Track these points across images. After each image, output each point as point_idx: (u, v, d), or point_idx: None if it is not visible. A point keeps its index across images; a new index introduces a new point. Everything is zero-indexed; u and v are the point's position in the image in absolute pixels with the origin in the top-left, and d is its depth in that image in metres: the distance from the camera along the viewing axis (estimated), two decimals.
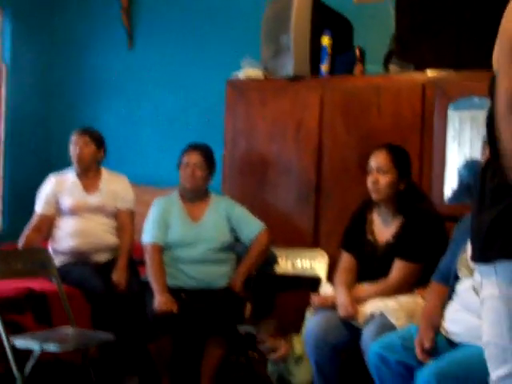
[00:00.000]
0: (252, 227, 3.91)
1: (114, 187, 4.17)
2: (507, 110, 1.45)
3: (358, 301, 3.14)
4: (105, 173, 4.22)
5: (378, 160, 3.27)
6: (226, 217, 3.90)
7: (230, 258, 3.90)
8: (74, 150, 4.13)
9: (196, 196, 3.93)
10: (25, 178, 5.11)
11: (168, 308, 3.59)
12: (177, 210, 3.91)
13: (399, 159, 3.28)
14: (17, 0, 5.27)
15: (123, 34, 5.29)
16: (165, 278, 3.75)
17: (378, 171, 3.25)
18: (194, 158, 3.88)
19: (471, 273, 2.67)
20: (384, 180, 3.23)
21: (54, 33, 5.49)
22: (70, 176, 4.17)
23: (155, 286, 3.70)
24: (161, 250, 3.82)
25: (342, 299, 3.16)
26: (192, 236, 3.83)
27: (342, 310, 3.13)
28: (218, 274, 3.82)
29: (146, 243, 3.85)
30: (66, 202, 4.08)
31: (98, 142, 4.15)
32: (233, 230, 3.90)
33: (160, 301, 3.61)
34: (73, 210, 4.06)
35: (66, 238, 4.05)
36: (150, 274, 3.76)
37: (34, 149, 5.33)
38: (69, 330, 3.44)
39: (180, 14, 5.11)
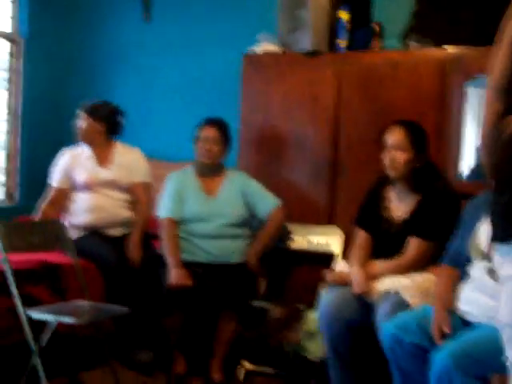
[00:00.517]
0: (267, 203, 3.90)
1: (128, 160, 4.17)
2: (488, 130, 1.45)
3: (372, 277, 3.13)
4: (118, 146, 4.22)
5: (394, 137, 3.23)
6: (241, 192, 3.90)
7: (245, 233, 3.89)
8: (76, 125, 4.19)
9: (212, 171, 3.93)
10: (40, 152, 5.12)
11: (183, 282, 3.60)
12: (192, 184, 3.91)
13: (416, 136, 3.24)
14: None
15: (139, 6, 5.25)
16: (179, 253, 3.76)
17: (396, 148, 3.21)
18: (211, 132, 3.87)
19: (482, 255, 2.66)
20: (402, 157, 3.20)
21: (71, 5, 5.46)
22: (83, 150, 4.18)
23: (170, 260, 3.71)
24: (176, 224, 3.83)
25: (355, 276, 3.15)
26: (207, 211, 3.84)
27: (356, 286, 3.12)
28: (233, 249, 3.82)
29: (161, 218, 3.86)
30: (80, 176, 4.09)
31: (96, 115, 4.12)
32: (248, 205, 3.90)
33: (175, 274, 3.63)
34: (87, 185, 4.07)
35: (80, 212, 4.06)
36: (165, 248, 3.78)
37: (50, 123, 5.34)
38: (83, 303, 3.46)
39: None
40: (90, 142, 4.15)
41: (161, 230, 3.84)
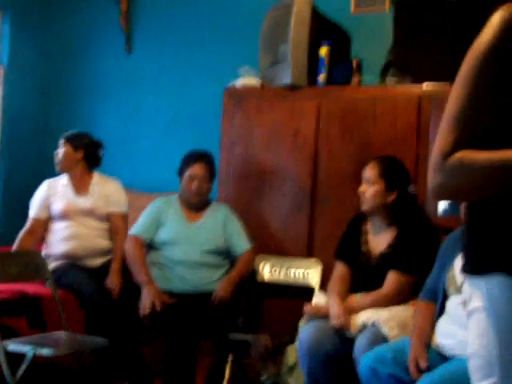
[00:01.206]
0: (242, 243, 3.92)
1: (106, 190, 4.18)
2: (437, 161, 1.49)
3: (350, 311, 3.15)
4: (96, 176, 4.24)
5: (367, 171, 3.33)
6: (222, 223, 3.92)
7: (224, 263, 3.91)
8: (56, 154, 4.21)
9: (198, 206, 3.96)
10: (20, 181, 5.11)
11: (159, 300, 3.59)
12: (174, 210, 3.93)
13: (388, 170, 3.31)
14: (16, 2, 5.27)
15: (122, 38, 5.29)
16: (148, 269, 3.78)
17: (367, 182, 3.31)
18: (200, 170, 3.88)
19: (458, 289, 2.70)
20: (370, 190, 3.29)
21: (53, 35, 5.49)
22: (62, 180, 4.19)
23: (141, 278, 3.71)
24: (142, 244, 3.85)
25: (334, 309, 3.17)
26: (187, 235, 3.84)
27: (335, 319, 3.14)
28: (211, 279, 3.82)
29: (129, 235, 3.91)
30: (58, 205, 4.10)
31: (75, 143, 4.15)
32: (225, 239, 3.92)
33: (149, 292, 3.61)
34: (64, 214, 4.07)
35: (58, 242, 4.06)
36: (132, 265, 3.78)
37: (30, 152, 5.33)
38: (62, 334, 3.44)
39: (179, 20, 5.11)
40: (68, 170, 4.16)
41: (126, 247, 3.86)
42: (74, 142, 4.15)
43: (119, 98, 5.31)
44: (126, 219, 4.20)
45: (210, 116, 4.64)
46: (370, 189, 3.29)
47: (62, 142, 4.17)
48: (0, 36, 5.28)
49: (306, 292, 3.76)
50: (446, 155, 1.47)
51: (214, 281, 3.82)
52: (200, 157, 3.90)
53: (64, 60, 5.47)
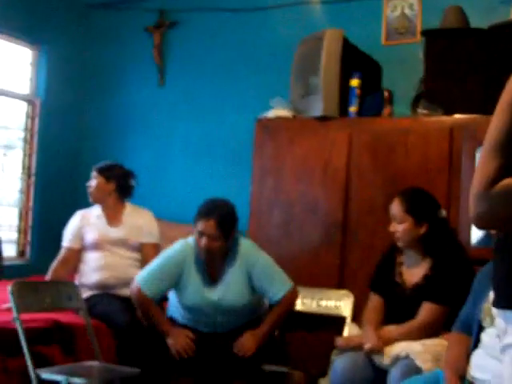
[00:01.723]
0: (277, 287, 3.54)
1: (138, 221, 4.21)
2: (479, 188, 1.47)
3: (384, 341, 3.12)
4: (128, 207, 4.27)
5: (392, 209, 3.33)
6: (247, 275, 3.55)
7: (258, 305, 3.71)
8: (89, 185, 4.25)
9: (213, 261, 3.59)
10: (52, 210, 5.19)
11: (186, 350, 3.48)
12: (195, 268, 3.57)
13: (414, 204, 3.29)
14: (52, 37, 5.40)
15: (154, 70, 5.39)
16: (161, 313, 3.64)
17: (394, 220, 3.31)
18: (209, 228, 3.44)
19: (493, 321, 2.66)
20: (400, 229, 3.28)
21: (87, 68, 5.60)
22: (95, 211, 4.24)
23: (160, 328, 3.55)
24: (152, 302, 3.57)
25: (368, 335, 3.15)
26: (211, 301, 3.55)
27: (368, 342, 3.10)
28: (238, 323, 3.60)
29: (137, 284, 3.58)
30: (90, 235, 4.13)
31: (107, 174, 4.19)
32: (255, 289, 3.57)
33: (178, 342, 3.50)
34: (97, 244, 4.11)
35: (91, 272, 4.09)
36: (144, 315, 3.62)
37: (64, 183, 5.41)
38: (94, 364, 3.45)
39: (211, 52, 5.20)
40: (101, 201, 4.20)
41: (132, 296, 3.62)
42: (106, 173, 4.20)
43: (152, 129, 5.38)
44: (158, 249, 4.22)
45: (242, 147, 4.68)
46: (398, 227, 3.28)
47: (94, 173, 4.22)
48: (37, 69, 5.41)
49: (337, 323, 3.74)
50: (490, 183, 1.44)
51: (247, 322, 3.61)
52: (211, 212, 3.45)
53: (98, 92, 5.57)
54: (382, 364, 3.08)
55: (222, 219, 3.44)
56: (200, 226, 3.45)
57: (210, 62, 5.19)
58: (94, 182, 4.20)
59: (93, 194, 4.20)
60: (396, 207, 3.30)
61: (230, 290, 3.53)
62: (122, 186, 4.24)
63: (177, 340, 3.51)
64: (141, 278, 3.58)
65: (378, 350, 3.09)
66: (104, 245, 4.12)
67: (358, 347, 3.17)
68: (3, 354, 3.28)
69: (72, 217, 4.28)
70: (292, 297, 3.59)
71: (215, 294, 3.54)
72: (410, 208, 3.28)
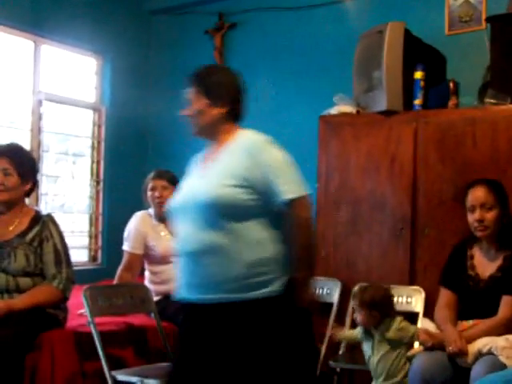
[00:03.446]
0: (288, 186, 2.49)
1: None
2: None
3: (465, 338, 3.03)
4: None
5: (480, 196, 3.21)
6: (244, 159, 2.57)
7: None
8: (152, 194, 4.17)
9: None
10: (122, 215, 5.24)
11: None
12: None
13: (500, 193, 3.22)
14: (116, 46, 5.49)
15: None
16: None
17: (482, 208, 3.19)
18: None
19: None
20: (491, 216, 3.18)
21: (151, 74, 5.69)
22: (153, 219, 4.21)
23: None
24: None
25: (450, 335, 3.06)
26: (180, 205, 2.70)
27: (452, 345, 3.01)
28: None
29: None
30: (159, 249, 4.10)
31: (176, 184, 4.18)
32: (250, 183, 2.48)
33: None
34: (166, 257, 4.03)
35: (160, 283, 4.06)
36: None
37: (131, 188, 5.48)
38: (167, 365, 3.48)
39: (272, 52, 5.19)
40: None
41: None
42: (176, 183, 4.19)
43: None
44: None
45: (306, 145, 4.64)
46: (489, 214, 3.19)
47: (162, 183, 4.15)
48: (102, 78, 5.52)
49: (410, 319, 3.66)
50: None
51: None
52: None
53: (161, 98, 5.62)
54: (465, 363, 2.98)
55: None
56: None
57: (270, 62, 5.19)
58: (165, 193, 4.12)
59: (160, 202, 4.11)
60: (485, 194, 3.21)
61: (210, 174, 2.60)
62: None
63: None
64: None
65: (463, 353, 2.99)
66: (172, 257, 4.11)
67: (439, 346, 3.08)
68: (81, 358, 3.36)
69: (132, 219, 4.27)
70: (307, 208, 2.50)
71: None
72: (499, 196, 3.22)
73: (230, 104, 2.70)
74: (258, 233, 2.45)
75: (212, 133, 2.70)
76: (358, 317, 3.42)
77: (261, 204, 2.47)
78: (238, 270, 2.40)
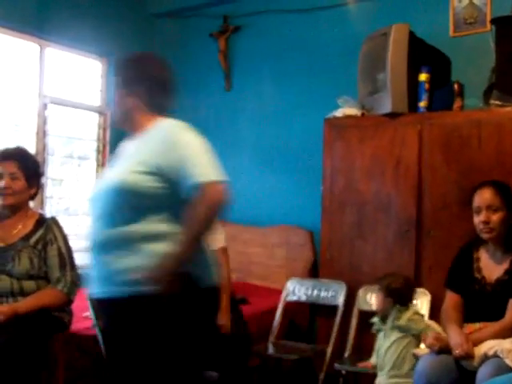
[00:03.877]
0: (199, 170, 2.43)
1: None
2: None
3: (472, 341, 3.00)
4: None
5: (486, 198, 3.19)
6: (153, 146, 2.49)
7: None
8: None
9: None
10: None
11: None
12: None
13: (507, 195, 3.21)
14: (120, 48, 5.47)
15: (221, 76, 5.42)
16: None
17: (488, 209, 3.17)
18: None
19: None
20: (497, 218, 3.16)
21: None
22: None
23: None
24: None
25: (455, 338, 3.04)
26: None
27: (457, 349, 2.99)
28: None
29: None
30: None
31: None
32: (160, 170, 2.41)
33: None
34: None
35: None
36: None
37: None
38: None
39: (276, 55, 5.19)
40: None
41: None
42: None
43: (219, 134, 5.39)
44: (226, 253, 4.22)
45: (311, 147, 4.66)
46: (495, 216, 3.16)
47: None
48: (107, 81, 5.52)
49: None
50: None
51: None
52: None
53: None
54: (471, 366, 2.96)
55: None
56: None
57: (275, 65, 5.19)
58: None
59: None
60: (492, 196, 3.18)
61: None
62: None
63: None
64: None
65: (469, 356, 2.97)
66: None
67: (445, 348, 3.06)
68: (85, 360, 3.36)
69: None
70: (219, 192, 2.47)
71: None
72: (505, 197, 3.19)
73: (147, 93, 2.60)
74: (160, 225, 2.37)
75: (129, 122, 2.64)
76: (376, 300, 3.55)
77: (168, 193, 2.39)
78: (138, 262, 2.31)
